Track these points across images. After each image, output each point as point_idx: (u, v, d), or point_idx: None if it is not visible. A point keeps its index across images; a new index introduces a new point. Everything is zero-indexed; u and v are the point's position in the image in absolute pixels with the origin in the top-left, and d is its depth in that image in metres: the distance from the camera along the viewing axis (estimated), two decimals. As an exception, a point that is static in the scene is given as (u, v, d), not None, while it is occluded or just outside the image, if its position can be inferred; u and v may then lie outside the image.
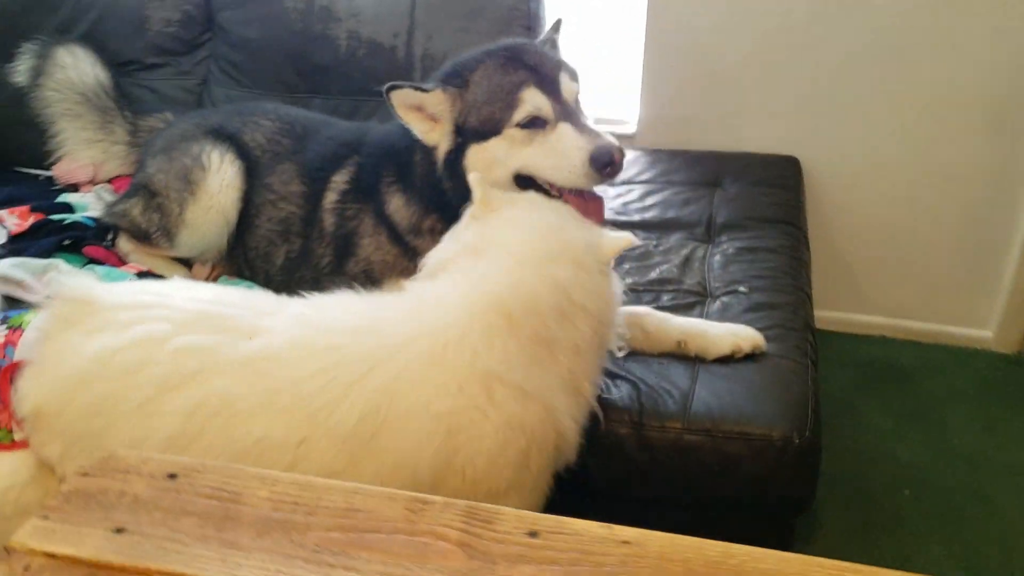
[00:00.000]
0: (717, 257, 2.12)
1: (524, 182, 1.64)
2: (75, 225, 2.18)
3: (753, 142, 2.59)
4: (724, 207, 2.32)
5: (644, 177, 2.49)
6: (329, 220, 1.85)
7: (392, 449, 1.32)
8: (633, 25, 2.62)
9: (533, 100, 1.61)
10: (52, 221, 2.19)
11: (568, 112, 1.63)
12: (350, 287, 1.48)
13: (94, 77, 2.34)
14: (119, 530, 1.00)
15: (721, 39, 2.52)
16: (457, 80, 1.66)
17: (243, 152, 2.00)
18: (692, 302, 1.96)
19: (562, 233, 1.50)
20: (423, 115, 1.66)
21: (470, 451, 1.34)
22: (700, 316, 1.90)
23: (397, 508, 1.02)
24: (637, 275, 2.07)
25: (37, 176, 2.46)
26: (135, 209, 2.07)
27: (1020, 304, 2.63)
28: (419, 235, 1.75)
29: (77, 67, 2.35)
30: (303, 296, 1.48)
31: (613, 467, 1.65)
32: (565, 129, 1.60)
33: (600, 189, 2.37)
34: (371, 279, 1.77)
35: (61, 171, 2.42)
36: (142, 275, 2.03)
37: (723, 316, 1.89)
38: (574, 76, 1.71)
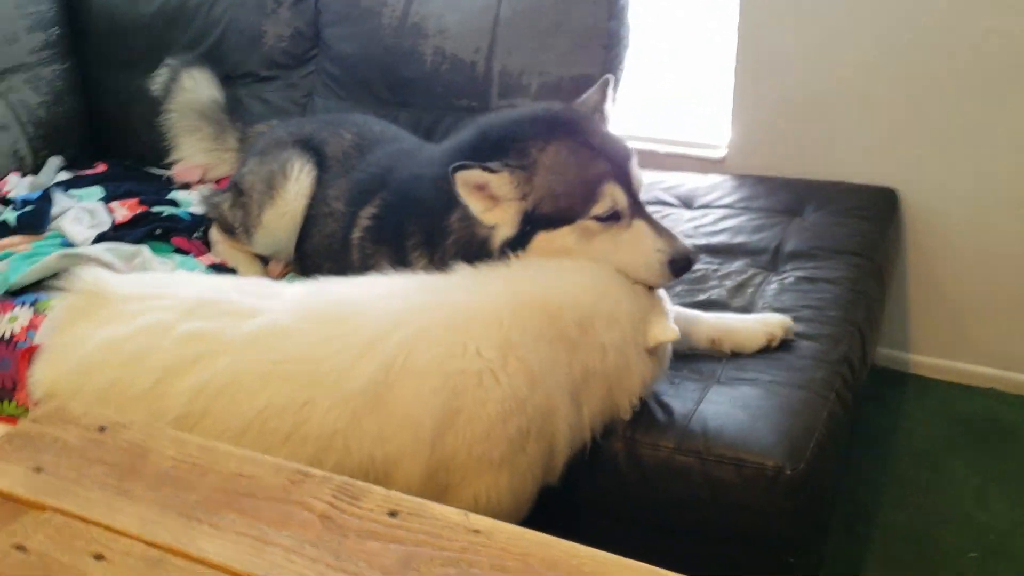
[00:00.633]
0: (773, 285, 2.03)
1: None
2: (172, 218, 2.38)
3: (847, 171, 2.46)
4: (797, 236, 2.22)
5: (724, 202, 2.42)
6: (355, 254, 1.88)
7: (398, 405, 1.39)
8: (723, 45, 2.56)
9: (613, 196, 1.56)
10: (152, 213, 2.40)
11: (640, 206, 1.61)
12: None
13: (209, 96, 2.58)
14: (38, 469, 1.10)
15: (816, 62, 2.43)
16: (524, 161, 1.57)
17: (321, 162, 2.11)
18: (731, 327, 1.90)
19: (607, 281, 1.55)
20: (484, 194, 1.56)
21: (472, 413, 1.40)
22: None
23: (280, 478, 1.07)
24: (687, 296, 2.01)
25: (160, 176, 2.69)
26: (225, 203, 2.24)
27: None
28: None
29: (196, 89, 2.59)
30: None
31: (603, 483, 1.62)
32: (642, 228, 1.58)
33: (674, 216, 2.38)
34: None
35: (178, 171, 2.65)
36: (213, 267, 2.20)
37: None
38: (637, 164, 1.67)
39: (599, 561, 0.92)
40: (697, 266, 2.11)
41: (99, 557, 0.96)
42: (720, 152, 2.63)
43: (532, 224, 1.57)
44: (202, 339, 1.43)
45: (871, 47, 2.35)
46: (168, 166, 2.67)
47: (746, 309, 1.95)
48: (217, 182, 2.61)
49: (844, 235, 2.20)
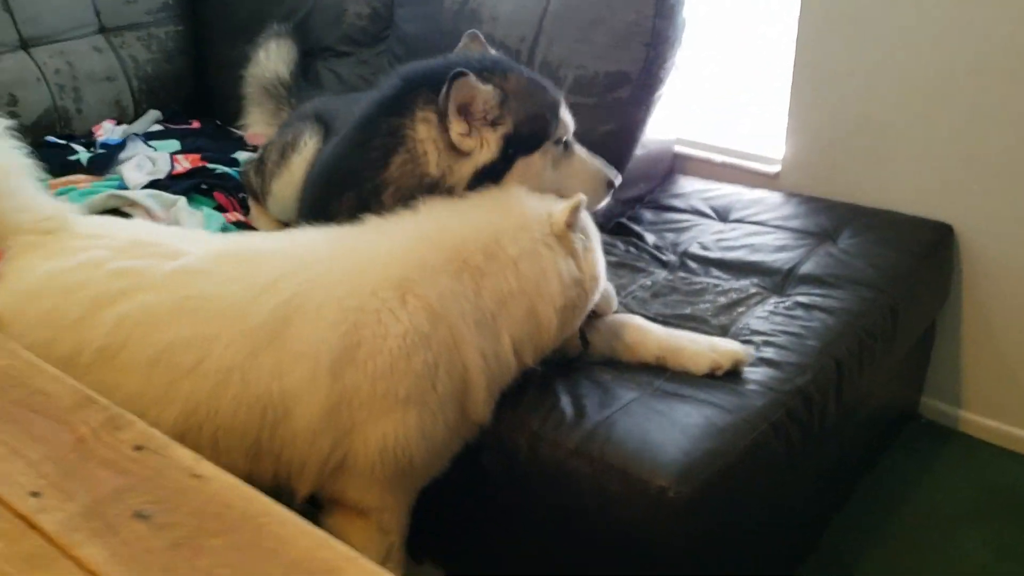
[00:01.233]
0: (767, 307, 1.91)
1: None
2: (223, 176, 2.52)
3: (902, 200, 2.26)
4: (818, 260, 2.07)
5: (758, 218, 2.30)
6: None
7: (295, 340, 1.43)
8: (781, 55, 2.42)
9: (565, 120, 1.68)
10: (208, 169, 2.55)
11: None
12: None
13: (274, 71, 2.70)
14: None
15: (875, 82, 2.24)
16: (494, 81, 1.61)
17: (327, 135, 2.17)
18: (698, 343, 1.80)
19: (511, 199, 1.58)
20: (462, 118, 1.58)
21: (373, 347, 1.42)
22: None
23: (72, 400, 1.12)
24: (672, 307, 1.93)
25: (237, 135, 2.86)
26: (252, 169, 2.35)
27: None
28: None
29: (266, 64, 2.72)
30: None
31: (505, 476, 1.59)
32: (583, 153, 1.73)
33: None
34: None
35: (248, 135, 2.80)
36: (237, 224, 2.31)
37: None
38: None
39: (282, 522, 0.91)
40: (699, 279, 2.05)
41: None
42: (774, 167, 2.49)
43: (514, 148, 1.60)
44: (128, 275, 1.51)
45: (935, 69, 2.15)
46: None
47: (725, 328, 1.85)
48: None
49: (867, 266, 2.04)
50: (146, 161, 2.57)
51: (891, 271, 2.03)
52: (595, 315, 1.72)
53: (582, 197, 1.55)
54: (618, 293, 2.01)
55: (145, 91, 3.01)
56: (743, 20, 2.52)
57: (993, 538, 2.06)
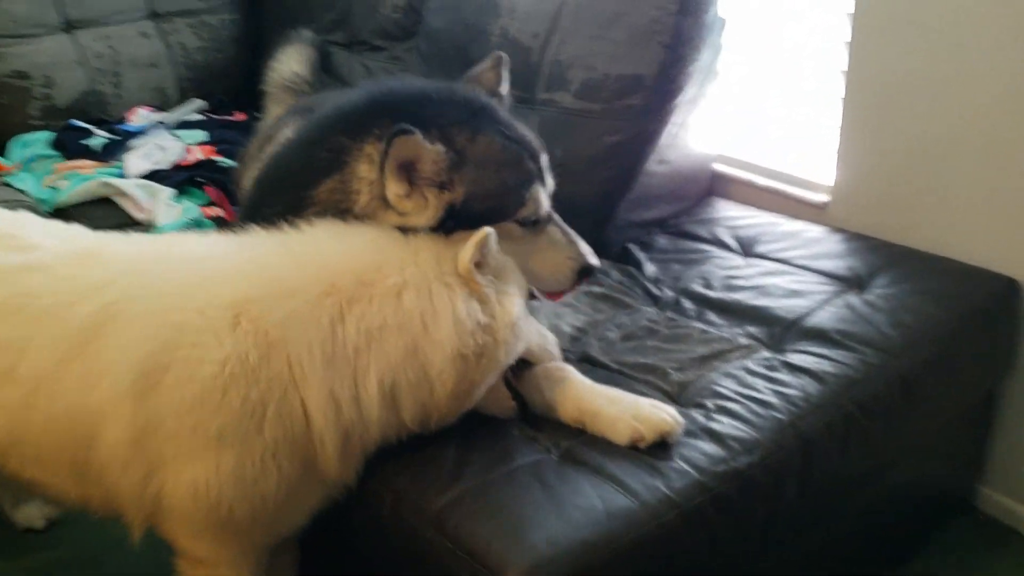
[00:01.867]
0: (749, 363, 1.58)
1: None
2: (225, 169, 2.41)
3: (960, 246, 1.85)
4: (833, 312, 1.71)
5: (785, 255, 1.95)
6: None
7: (104, 351, 1.26)
8: (831, 76, 2.05)
9: (537, 199, 1.42)
10: (214, 162, 2.45)
11: (550, 210, 1.47)
12: None
13: (291, 71, 2.57)
14: None
15: (939, 106, 1.83)
16: (449, 145, 1.34)
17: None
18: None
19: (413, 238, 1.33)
20: (404, 176, 1.32)
21: (183, 373, 1.21)
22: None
23: None
24: (637, 354, 1.64)
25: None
26: (239, 161, 2.23)
27: None
28: None
29: (283, 62, 2.60)
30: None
31: (369, 534, 1.36)
32: (556, 235, 1.47)
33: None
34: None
35: (272, 129, 2.70)
36: (213, 219, 2.19)
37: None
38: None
39: None
40: (686, 323, 1.74)
41: None
42: (823, 196, 2.12)
43: (455, 220, 1.34)
44: None
45: (1012, 90, 1.73)
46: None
47: (681, 387, 1.54)
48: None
49: (889, 323, 1.67)
50: (155, 150, 2.49)
51: (918, 331, 1.65)
52: (526, 364, 1.45)
53: (490, 231, 1.28)
54: (587, 331, 1.74)
55: (192, 79, 2.94)
56: (794, 25, 2.15)
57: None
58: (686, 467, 1.33)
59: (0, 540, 1.97)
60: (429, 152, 1.31)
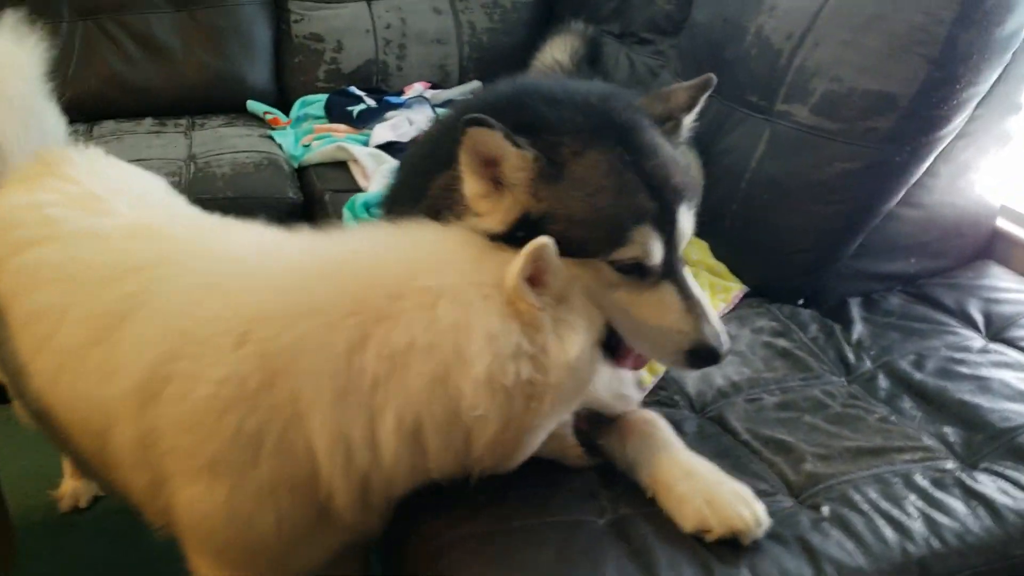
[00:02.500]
0: (912, 471, 1.20)
1: None
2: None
3: None
4: None
5: None
6: None
7: (123, 343, 1.19)
8: None
9: (645, 244, 1.13)
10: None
11: (676, 264, 1.16)
12: None
13: (553, 60, 2.49)
14: None
15: None
16: (553, 158, 1.13)
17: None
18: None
19: (461, 244, 1.14)
20: (487, 173, 1.14)
21: (181, 389, 1.11)
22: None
23: None
24: (779, 428, 1.32)
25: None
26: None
27: None
28: None
29: (549, 52, 2.53)
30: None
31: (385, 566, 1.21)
32: (669, 295, 1.15)
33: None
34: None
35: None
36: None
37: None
38: (691, 208, 1.18)
39: None
40: (867, 405, 1.39)
41: None
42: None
43: (528, 232, 1.10)
44: (48, 225, 1.36)
45: None
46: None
47: (810, 478, 1.20)
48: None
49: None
50: (404, 122, 2.51)
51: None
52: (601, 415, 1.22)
53: (548, 240, 1.04)
54: (742, 389, 1.44)
55: (475, 60, 2.95)
56: None
57: None
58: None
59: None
60: (510, 153, 1.09)
